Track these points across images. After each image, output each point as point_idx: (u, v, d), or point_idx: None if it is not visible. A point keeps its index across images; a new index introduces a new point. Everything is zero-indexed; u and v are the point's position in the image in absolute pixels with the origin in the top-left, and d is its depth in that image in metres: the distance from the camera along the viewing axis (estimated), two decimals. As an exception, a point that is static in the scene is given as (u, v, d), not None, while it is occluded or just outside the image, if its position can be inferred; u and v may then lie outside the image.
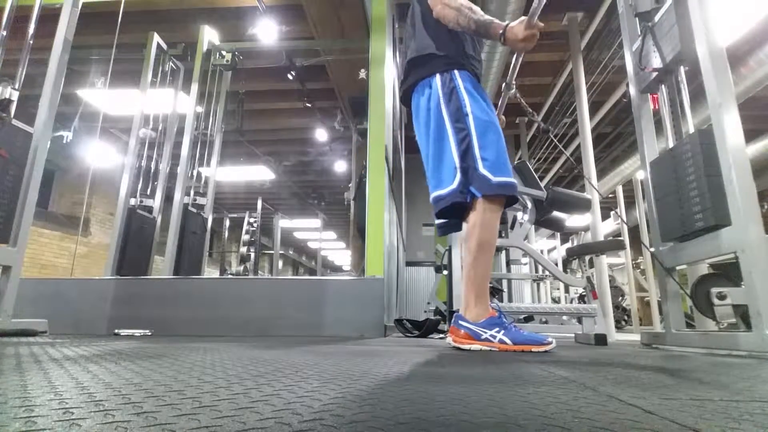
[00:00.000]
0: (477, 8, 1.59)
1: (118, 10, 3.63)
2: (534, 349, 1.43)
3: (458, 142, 1.57)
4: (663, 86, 2.03)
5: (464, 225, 1.61)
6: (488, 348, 1.44)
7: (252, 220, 10.20)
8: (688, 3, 1.74)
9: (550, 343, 1.46)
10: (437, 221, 1.70)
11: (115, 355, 1.08)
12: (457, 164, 1.55)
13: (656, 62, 1.96)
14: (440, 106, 1.63)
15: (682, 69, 1.92)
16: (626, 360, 1.22)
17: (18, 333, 1.98)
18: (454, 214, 1.62)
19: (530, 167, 2.71)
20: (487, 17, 1.56)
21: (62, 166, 8.29)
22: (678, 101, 1.96)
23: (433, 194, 1.62)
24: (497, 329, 1.45)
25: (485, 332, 1.46)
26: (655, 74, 2.00)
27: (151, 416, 0.43)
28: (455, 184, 1.54)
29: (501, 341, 1.44)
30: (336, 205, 11.39)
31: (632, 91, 2.23)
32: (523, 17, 1.49)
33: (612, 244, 2.96)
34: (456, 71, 1.66)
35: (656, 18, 1.98)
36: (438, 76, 1.66)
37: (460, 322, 1.51)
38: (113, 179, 5.44)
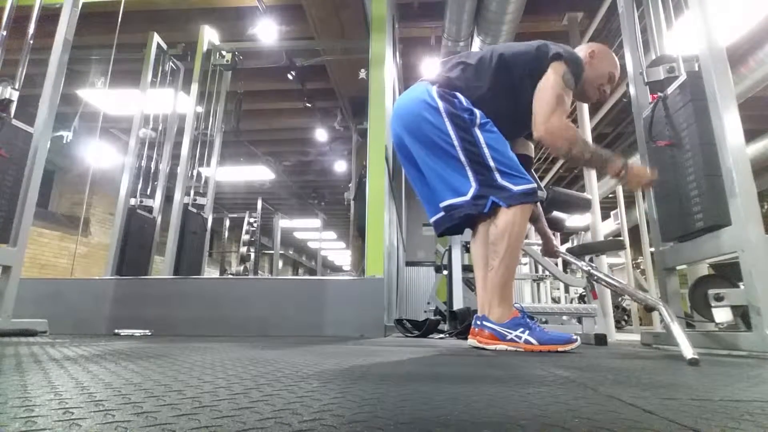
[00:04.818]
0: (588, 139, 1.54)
1: (118, 10, 3.63)
2: (560, 348, 1.42)
3: (467, 154, 1.50)
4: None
5: (490, 228, 1.54)
6: (513, 348, 1.43)
7: (252, 220, 10.21)
8: (705, 88, 1.63)
9: (575, 341, 1.45)
10: (432, 219, 1.64)
11: (115, 355, 1.08)
12: (471, 176, 1.49)
13: (667, 135, 1.85)
14: (441, 116, 1.53)
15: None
16: (626, 360, 1.22)
17: (18, 333, 1.98)
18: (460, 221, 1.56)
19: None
20: (603, 150, 1.50)
21: (62, 166, 8.28)
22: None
23: (445, 203, 1.54)
24: (522, 329, 1.45)
25: (510, 333, 1.45)
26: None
27: (151, 416, 0.43)
28: (469, 196, 1.49)
29: (526, 341, 1.43)
30: (336, 205, 11.38)
31: (632, 91, 2.22)
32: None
33: (612, 244, 2.96)
34: (457, 92, 1.57)
35: (669, 90, 1.86)
36: (435, 87, 1.57)
37: (485, 323, 1.49)
38: (113, 179, 5.43)
